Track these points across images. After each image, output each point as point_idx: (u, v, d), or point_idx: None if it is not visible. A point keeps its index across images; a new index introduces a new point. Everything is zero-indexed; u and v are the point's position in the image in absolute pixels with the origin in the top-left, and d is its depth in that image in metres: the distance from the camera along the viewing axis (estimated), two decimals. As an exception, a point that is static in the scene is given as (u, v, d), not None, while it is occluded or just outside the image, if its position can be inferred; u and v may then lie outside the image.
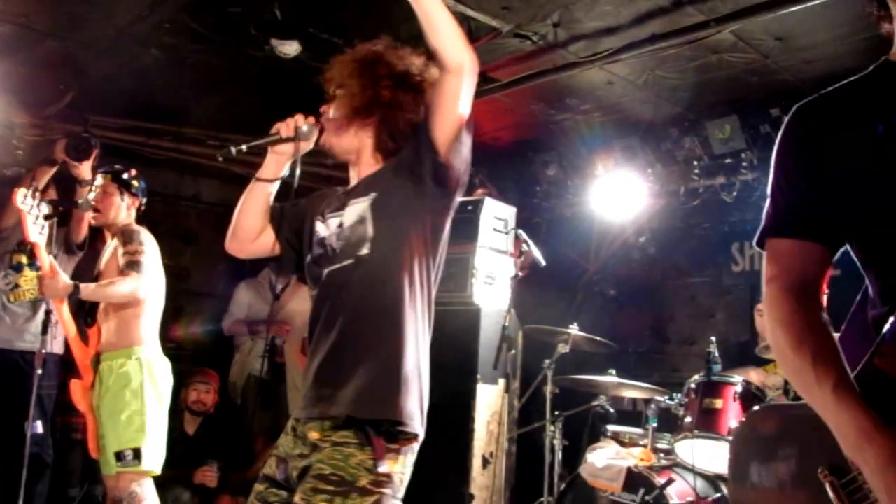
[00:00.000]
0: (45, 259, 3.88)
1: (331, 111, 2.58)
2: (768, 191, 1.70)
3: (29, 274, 5.09)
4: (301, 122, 2.54)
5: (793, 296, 1.61)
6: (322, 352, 2.37)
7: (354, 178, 2.61)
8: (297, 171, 2.61)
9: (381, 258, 2.38)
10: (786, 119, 1.68)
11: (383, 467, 2.21)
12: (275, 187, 2.65)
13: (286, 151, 2.58)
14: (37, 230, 3.87)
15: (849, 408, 1.46)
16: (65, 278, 3.89)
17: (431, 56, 2.40)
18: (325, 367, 2.35)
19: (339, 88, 2.57)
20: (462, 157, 2.41)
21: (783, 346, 1.59)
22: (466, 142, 2.41)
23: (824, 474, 1.53)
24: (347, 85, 2.54)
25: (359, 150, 2.57)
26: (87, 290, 3.90)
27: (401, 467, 2.27)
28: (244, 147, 2.49)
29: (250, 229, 2.66)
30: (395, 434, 2.27)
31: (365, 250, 2.38)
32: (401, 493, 2.29)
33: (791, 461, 1.65)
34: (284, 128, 2.55)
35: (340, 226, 2.47)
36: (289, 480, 2.35)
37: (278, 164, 2.61)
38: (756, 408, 2.00)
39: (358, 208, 2.45)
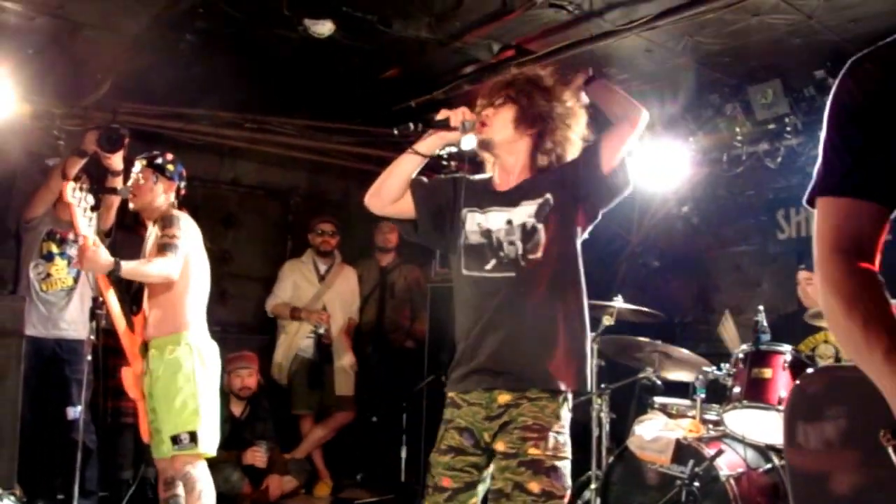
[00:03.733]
0: (91, 234, 3.84)
1: (499, 114, 2.89)
2: (820, 149, 1.61)
3: (59, 262, 5.15)
4: (468, 115, 2.82)
5: (845, 257, 1.52)
6: (500, 336, 2.77)
7: (503, 179, 2.96)
8: (445, 154, 2.94)
9: (551, 261, 2.79)
10: (840, 73, 1.59)
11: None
12: (423, 162, 2.95)
13: (447, 137, 2.86)
14: (86, 223, 3.88)
15: None
16: (106, 254, 3.82)
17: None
18: (506, 349, 2.75)
19: (515, 96, 2.90)
20: (619, 187, 2.89)
21: (834, 310, 1.50)
22: (624, 180, 2.89)
23: (887, 437, 1.47)
24: (524, 95, 2.89)
25: (516, 153, 2.93)
26: (128, 266, 3.84)
27: (568, 412, 2.77)
28: (420, 126, 2.88)
29: (393, 191, 2.98)
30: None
31: (539, 254, 2.79)
32: None
33: (851, 423, 1.60)
34: (454, 116, 2.82)
35: (509, 222, 2.85)
36: (479, 444, 2.75)
37: (435, 144, 2.90)
38: (810, 370, 1.95)
39: (528, 210, 2.83)
